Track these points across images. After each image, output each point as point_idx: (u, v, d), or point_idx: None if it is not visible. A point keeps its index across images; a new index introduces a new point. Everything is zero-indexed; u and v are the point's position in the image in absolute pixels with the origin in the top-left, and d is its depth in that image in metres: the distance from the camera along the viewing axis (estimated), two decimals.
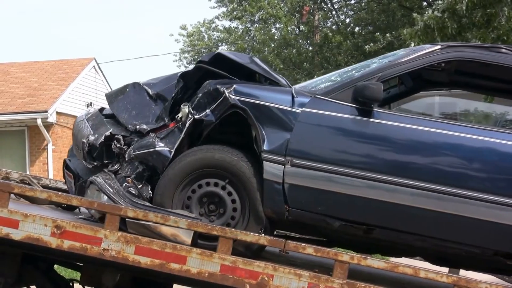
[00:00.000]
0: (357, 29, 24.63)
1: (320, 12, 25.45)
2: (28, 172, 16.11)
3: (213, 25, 27.92)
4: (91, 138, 4.29)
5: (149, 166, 4.18)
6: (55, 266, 4.98)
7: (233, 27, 27.37)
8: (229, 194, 4.12)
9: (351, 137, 4.08)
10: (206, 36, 28.10)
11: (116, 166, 4.29)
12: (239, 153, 4.13)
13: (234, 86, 4.14)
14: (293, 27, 26.20)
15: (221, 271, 3.68)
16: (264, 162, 4.02)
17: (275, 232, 4.41)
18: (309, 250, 3.72)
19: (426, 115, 4.39)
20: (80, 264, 4.61)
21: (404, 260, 4.53)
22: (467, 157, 4.02)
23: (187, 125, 4.16)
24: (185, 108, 4.20)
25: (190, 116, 4.16)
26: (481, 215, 3.94)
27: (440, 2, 14.54)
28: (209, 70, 4.32)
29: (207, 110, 4.14)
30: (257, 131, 4.05)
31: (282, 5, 25.51)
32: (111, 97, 4.57)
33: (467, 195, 3.94)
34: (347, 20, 25.65)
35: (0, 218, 3.73)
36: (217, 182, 4.12)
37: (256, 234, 3.79)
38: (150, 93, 4.46)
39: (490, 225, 3.94)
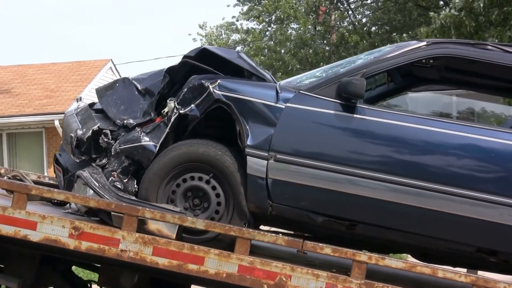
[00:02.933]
0: (373, 28, 24.62)
1: (336, 12, 25.46)
2: (46, 174, 16.28)
3: (233, 26, 28.02)
4: (79, 132, 4.32)
5: (134, 161, 4.21)
6: (73, 268, 5.00)
7: (251, 28, 27.45)
8: (213, 188, 4.14)
9: (334, 133, 4.09)
10: (224, 36, 28.19)
11: (104, 161, 4.31)
12: (223, 147, 4.15)
13: (219, 81, 4.16)
14: (309, 27, 26.18)
15: (239, 271, 3.68)
16: (247, 157, 4.04)
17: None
18: (327, 250, 3.71)
19: (409, 111, 4.37)
20: (98, 265, 4.62)
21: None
22: (449, 153, 4.00)
23: (172, 120, 4.18)
24: (171, 103, 4.24)
25: (175, 111, 4.19)
26: (463, 211, 3.92)
27: (457, 0, 14.47)
28: (195, 65, 4.35)
29: (192, 105, 4.17)
30: (241, 126, 4.07)
31: (299, 5, 25.48)
32: (101, 91, 4.60)
33: (449, 191, 3.92)
34: (364, 20, 25.63)
35: (18, 219, 3.74)
36: (202, 176, 4.15)
37: (274, 234, 3.77)
38: (139, 88, 4.49)
39: (472, 222, 3.92)
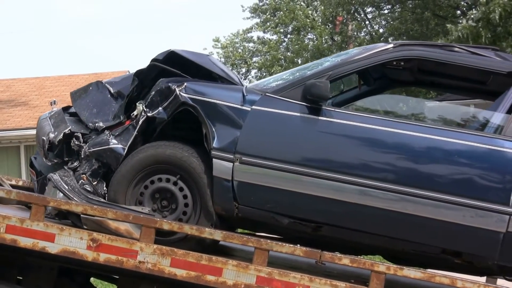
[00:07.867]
0: (390, 38, 24.45)
1: (353, 22, 25.40)
2: None
3: (248, 35, 28.15)
4: (51, 135, 4.40)
5: (103, 163, 4.26)
6: (92, 279, 5.02)
7: (268, 38, 27.54)
8: (181, 189, 4.16)
9: (299, 135, 4.08)
10: (240, 47, 28.31)
11: (75, 163, 4.38)
12: (190, 149, 4.17)
13: (185, 84, 4.19)
14: (326, 37, 26.16)
15: (257, 282, 3.67)
16: (213, 159, 4.05)
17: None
18: (345, 260, 3.71)
19: (375, 113, 4.35)
20: (117, 276, 4.64)
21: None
22: (414, 155, 3.97)
23: (140, 122, 4.23)
24: (140, 106, 4.29)
25: (143, 113, 4.23)
26: (427, 213, 3.89)
27: (474, 12, 14.37)
28: (163, 68, 4.39)
29: (160, 108, 4.21)
30: (207, 128, 4.09)
31: (316, 15, 25.51)
32: (75, 95, 4.68)
33: (412, 193, 3.90)
34: (381, 30, 25.52)
35: (37, 231, 3.76)
36: (169, 178, 4.17)
37: (291, 245, 3.76)
38: (112, 91, 4.56)
39: (436, 223, 3.88)
